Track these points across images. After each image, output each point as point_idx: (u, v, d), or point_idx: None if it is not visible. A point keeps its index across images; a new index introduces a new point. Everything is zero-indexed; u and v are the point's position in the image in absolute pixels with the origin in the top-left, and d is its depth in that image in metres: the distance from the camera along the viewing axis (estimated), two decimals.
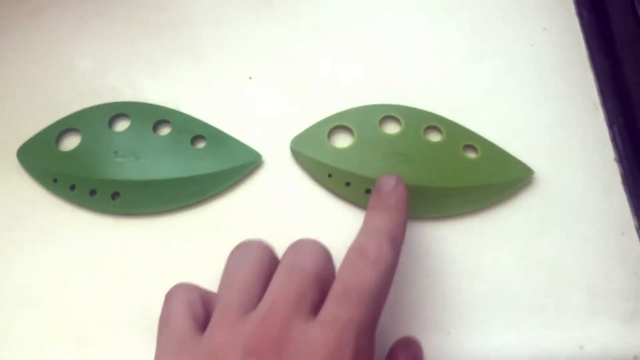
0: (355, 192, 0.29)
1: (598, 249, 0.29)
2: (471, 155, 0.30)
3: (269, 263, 0.23)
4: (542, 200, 0.30)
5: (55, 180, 0.29)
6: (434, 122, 0.31)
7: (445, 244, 0.29)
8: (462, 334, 0.27)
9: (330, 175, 0.29)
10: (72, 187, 0.29)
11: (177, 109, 0.31)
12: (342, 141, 0.31)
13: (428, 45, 0.33)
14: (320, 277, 0.22)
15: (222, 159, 0.30)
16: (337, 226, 0.29)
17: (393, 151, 0.30)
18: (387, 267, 0.22)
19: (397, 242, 0.23)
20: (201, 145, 0.31)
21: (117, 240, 0.29)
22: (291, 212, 0.29)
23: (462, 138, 0.30)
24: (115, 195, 0.29)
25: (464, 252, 0.28)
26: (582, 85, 0.32)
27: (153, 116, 0.31)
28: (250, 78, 0.33)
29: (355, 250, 0.22)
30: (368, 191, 0.29)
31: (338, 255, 0.28)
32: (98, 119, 0.31)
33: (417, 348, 0.26)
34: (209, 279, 0.27)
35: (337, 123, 0.31)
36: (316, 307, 0.21)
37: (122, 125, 0.31)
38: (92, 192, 0.29)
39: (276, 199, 0.30)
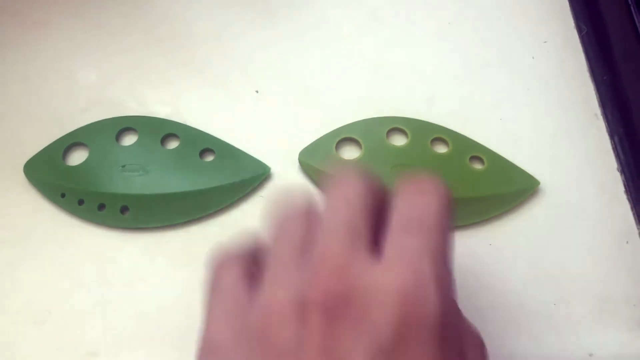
0: None
1: (604, 257, 0.29)
2: (477, 166, 0.31)
3: (316, 209, 0.19)
4: (547, 210, 0.30)
5: (63, 195, 0.29)
6: (440, 134, 0.31)
7: (454, 254, 0.29)
8: None
9: None
10: (81, 202, 0.29)
11: (184, 123, 0.31)
12: (350, 153, 0.31)
13: (432, 57, 0.34)
14: (369, 208, 0.18)
15: (230, 172, 0.30)
16: None
17: (400, 163, 0.30)
18: (447, 202, 0.18)
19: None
20: (210, 158, 0.31)
21: (126, 254, 0.29)
22: None
23: (468, 149, 0.31)
24: (124, 209, 0.29)
25: (473, 262, 0.29)
26: (583, 96, 0.33)
27: (160, 130, 0.31)
28: (257, 92, 0.33)
29: (410, 188, 0.19)
30: None
31: None
32: (105, 133, 0.31)
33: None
34: None
35: (345, 135, 0.31)
36: (372, 247, 0.17)
37: (129, 140, 0.31)
38: (101, 207, 0.29)
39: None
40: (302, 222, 0.19)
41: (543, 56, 0.34)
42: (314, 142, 0.31)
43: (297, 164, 0.31)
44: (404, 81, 0.33)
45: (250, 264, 0.20)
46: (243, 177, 0.30)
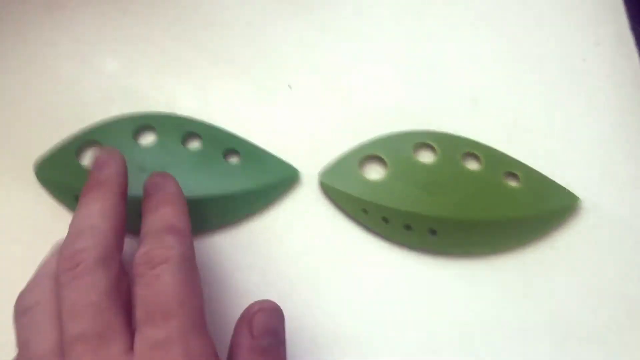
0: (394, 229, 0.27)
1: None
2: (512, 183, 0.28)
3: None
4: (597, 231, 0.28)
5: (77, 198, 0.27)
6: (471, 149, 0.29)
7: (498, 280, 0.27)
8: None
9: (365, 211, 0.27)
10: None
11: (209, 118, 0.29)
12: (374, 172, 0.29)
13: (468, 64, 0.31)
14: (117, 301, 0.19)
15: (257, 176, 0.28)
16: (375, 264, 0.27)
17: (429, 182, 0.28)
18: (180, 259, 0.19)
19: (178, 228, 0.21)
20: (234, 160, 0.29)
21: None
22: (324, 240, 0.28)
23: (501, 165, 0.28)
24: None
25: (520, 287, 0.27)
26: (637, 104, 0.30)
27: (181, 129, 0.29)
28: (289, 87, 0.30)
29: (141, 262, 0.20)
30: (408, 227, 0.27)
31: (376, 298, 0.27)
32: (122, 131, 0.28)
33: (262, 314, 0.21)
34: (238, 309, 0.26)
35: (368, 153, 0.29)
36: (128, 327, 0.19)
37: (148, 139, 0.29)
38: None
39: (310, 222, 0.28)
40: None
41: (594, 59, 0.31)
42: (336, 161, 0.29)
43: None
44: (440, 85, 0.31)
45: None
46: (270, 181, 0.28)
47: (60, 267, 0.19)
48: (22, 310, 0.20)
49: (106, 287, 0.19)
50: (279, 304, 0.24)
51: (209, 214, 0.27)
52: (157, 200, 0.23)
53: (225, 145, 0.29)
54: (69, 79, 0.30)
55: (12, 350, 0.19)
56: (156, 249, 0.20)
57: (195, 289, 0.20)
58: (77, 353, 0.18)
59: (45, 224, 0.27)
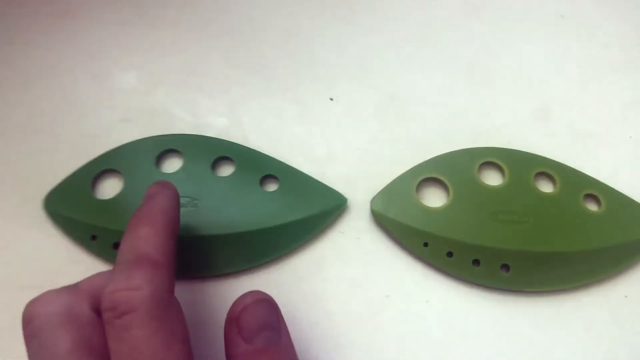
0: (460, 265, 0.24)
1: None
2: (592, 207, 0.25)
3: None
4: None
5: (93, 237, 0.24)
6: (544, 168, 0.26)
7: (581, 319, 0.24)
8: None
9: (426, 244, 0.24)
10: (116, 246, 0.24)
11: (243, 139, 0.26)
12: (434, 197, 0.26)
13: (537, 69, 0.29)
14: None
15: (299, 205, 0.25)
16: (438, 303, 0.24)
17: (498, 208, 0.25)
18: (150, 305, 0.17)
19: (151, 259, 0.18)
20: (272, 187, 0.25)
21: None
22: (378, 276, 0.24)
23: (580, 186, 0.26)
24: None
25: (606, 325, 0.24)
26: None
27: (211, 152, 0.26)
28: (331, 99, 0.27)
29: (107, 307, 0.17)
30: (476, 262, 0.24)
31: (440, 342, 0.23)
32: (143, 156, 0.25)
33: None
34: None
35: (426, 175, 0.25)
36: None
37: (172, 165, 0.26)
38: None
39: (361, 256, 0.25)
40: None
41: None
42: (389, 185, 0.25)
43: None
44: (505, 94, 0.28)
45: None
46: (314, 211, 0.25)
47: None
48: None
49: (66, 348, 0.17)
50: (329, 344, 0.22)
51: (244, 251, 0.24)
52: (138, 217, 0.19)
53: (261, 170, 0.25)
54: (81, 98, 0.27)
55: None
56: (122, 291, 0.17)
57: (173, 336, 0.17)
58: None
59: (58, 266, 0.24)
